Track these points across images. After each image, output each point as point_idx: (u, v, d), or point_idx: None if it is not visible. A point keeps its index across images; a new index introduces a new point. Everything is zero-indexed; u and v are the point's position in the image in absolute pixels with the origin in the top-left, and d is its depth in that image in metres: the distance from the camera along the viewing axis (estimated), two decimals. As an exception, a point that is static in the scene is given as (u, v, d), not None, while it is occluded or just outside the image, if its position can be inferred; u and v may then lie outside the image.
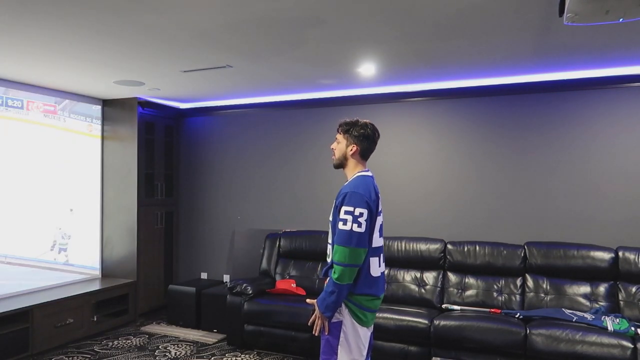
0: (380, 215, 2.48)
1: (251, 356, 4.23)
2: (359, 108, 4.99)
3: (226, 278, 5.62)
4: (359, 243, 2.30)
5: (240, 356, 4.24)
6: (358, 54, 3.56)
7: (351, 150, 2.47)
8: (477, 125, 4.54)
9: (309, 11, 2.70)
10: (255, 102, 5.41)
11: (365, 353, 2.43)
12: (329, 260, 2.45)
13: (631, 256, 3.77)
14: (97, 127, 5.06)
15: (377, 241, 2.44)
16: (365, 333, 2.43)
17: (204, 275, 5.80)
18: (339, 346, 2.38)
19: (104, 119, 5.39)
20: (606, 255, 3.83)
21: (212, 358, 4.19)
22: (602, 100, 4.12)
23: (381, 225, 2.49)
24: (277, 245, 5.00)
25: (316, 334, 2.42)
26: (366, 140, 2.48)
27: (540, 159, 4.32)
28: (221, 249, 5.72)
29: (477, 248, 4.19)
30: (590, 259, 3.86)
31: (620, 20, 1.96)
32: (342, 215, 2.33)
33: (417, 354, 3.74)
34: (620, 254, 3.81)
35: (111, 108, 5.37)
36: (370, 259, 2.39)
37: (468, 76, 4.23)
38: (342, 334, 2.38)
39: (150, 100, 5.36)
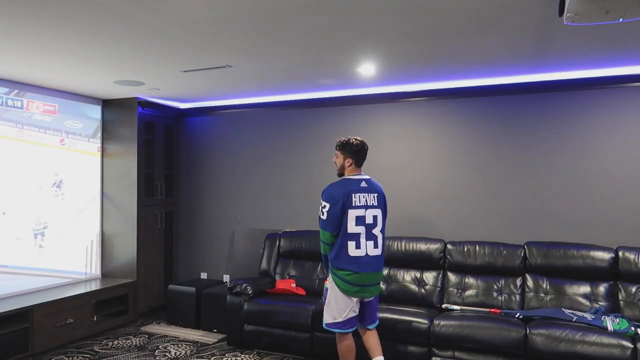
0: (357, 208, 3.21)
1: (251, 356, 4.23)
2: (359, 108, 4.99)
3: (226, 278, 5.62)
4: (322, 226, 3.24)
5: (240, 356, 4.24)
6: (358, 54, 3.56)
7: (348, 162, 3.33)
8: (477, 125, 4.54)
9: (309, 11, 2.70)
10: (255, 102, 5.41)
11: (344, 315, 3.20)
12: None
13: (631, 256, 3.77)
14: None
15: (354, 229, 3.20)
16: (351, 300, 3.21)
17: (203, 275, 5.80)
18: (325, 306, 3.32)
19: (104, 118, 5.39)
20: (606, 255, 3.83)
21: (212, 358, 4.19)
22: (602, 100, 4.12)
23: (360, 217, 3.20)
24: (277, 245, 5.00)
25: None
26: (358, 154, 3.34)
27: (540, 159, 4.32)
28: (221, 249, 5.72)
29: (477, 248, 4.19)
30: (590, 259, 3.86)
31: (620, 20, 1.97)
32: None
33: (417, 354, 3.74)
34: (620, 254, 3.82)
35: (111, 108, 5.37)
36: (348, 242, 3.19)
37: (468, 76, 4.23)
38: (327, 298, 3.31)
39: (150, 100, 5.36)
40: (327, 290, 3.35)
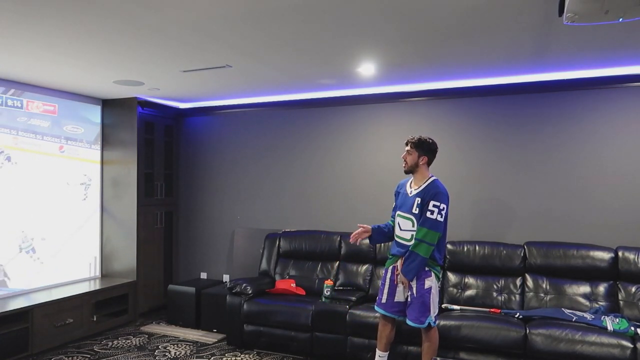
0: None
1: (251, 356, 4.23)
2: (359, 108, 5.00)
3: (226, 278, 5.62)
4: (436, 227, 3.20)
5: (240, 356, 4.24)
6: (358, 53, 3.56)
7: (422, 160, 3.37)
8: (477, 125, 4.54)
9: (309, 11, 2.71)
10: (255, 102, 5.41)
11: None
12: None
13: (631, 256, 3.78)
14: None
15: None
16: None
17: (203, 275, 5.80)
18: (431, 306, 3.29)
19: (104, 118, 5.39)
20: (606, 255, 3.83)
21: (212, 358, 4.19)
22: (602, 100, 4.13)
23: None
24: (276, 245, 5.00)
25: None
26: (435, 153, 3.42)
27: (540, 159, 4.32)
28: (221, 249, 5.72)
29: (477, 248, 4.19)
30: (590, 258, 3.86)
31: (620, 20, 1.97)
32: None
33: (417, 354, 3.72)
34: (620, 253, 3.82)
35: (111, 108, 5.37)
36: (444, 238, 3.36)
37: (468, 76, 4.23)
38: (431, 297, 3.28)
39: (149, 100, 5.36)
40: (416, 292, 3.26)
